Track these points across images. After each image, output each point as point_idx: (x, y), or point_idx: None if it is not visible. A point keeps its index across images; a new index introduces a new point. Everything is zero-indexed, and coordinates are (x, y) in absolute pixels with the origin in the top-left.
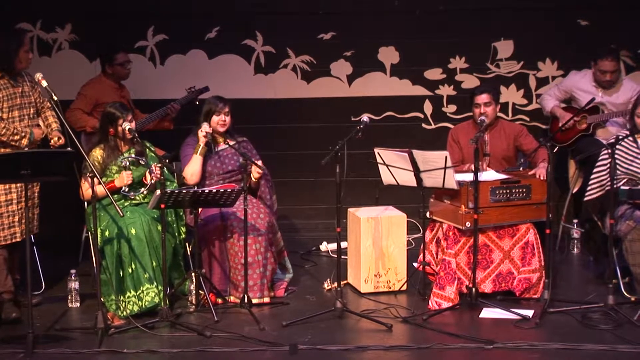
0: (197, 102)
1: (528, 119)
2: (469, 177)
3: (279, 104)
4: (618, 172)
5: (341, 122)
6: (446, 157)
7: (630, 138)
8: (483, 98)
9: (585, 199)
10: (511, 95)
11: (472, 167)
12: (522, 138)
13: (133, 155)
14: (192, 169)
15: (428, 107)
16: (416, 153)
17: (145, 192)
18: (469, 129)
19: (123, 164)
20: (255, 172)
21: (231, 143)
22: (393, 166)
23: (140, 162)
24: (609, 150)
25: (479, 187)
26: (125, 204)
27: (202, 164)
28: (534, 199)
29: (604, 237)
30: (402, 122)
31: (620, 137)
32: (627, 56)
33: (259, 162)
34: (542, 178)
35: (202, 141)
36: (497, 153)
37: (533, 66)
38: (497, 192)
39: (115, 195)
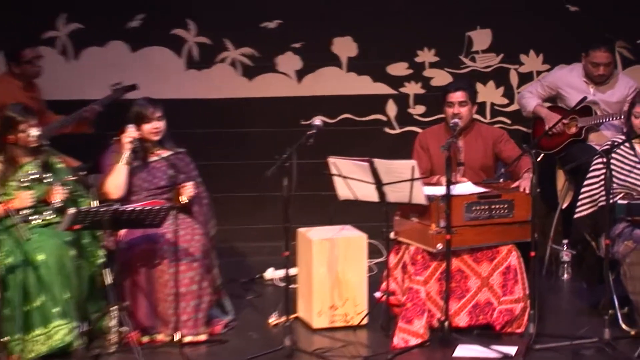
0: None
1: (509, 122)
2: (440, 190)
3: (214, 105)
4: (614, 184)
5: (289, 127)
6: (413, 167)
7: (627, 144)
8: (456, 96)
9: (576, 216)
10: (489, 93)
11: (444, 178)
12: (502, 144)
13: (35, 171)
14: (116, 181)
15: (392, 108)
16: (378, 162)
17: (49, 216)
18: (440, 133)
19: (23, 181)
20: (185, 196)
21: (165, 154)
22: (351, 178)
23: (43, 178)
24: (603, 159)
25: (451, 203)
26: (31, 225)
27: (130, 176)
28: (517, 216)
29: (598, 260)
30: (362, 125)
31: (616, 143)
32: (624, 47)
33: (191, 183)
34: (526, 191)
35: (127, 148)
36: (473, 162)
37: (514, 60)
38: (474, 208)
39: (18, 216)
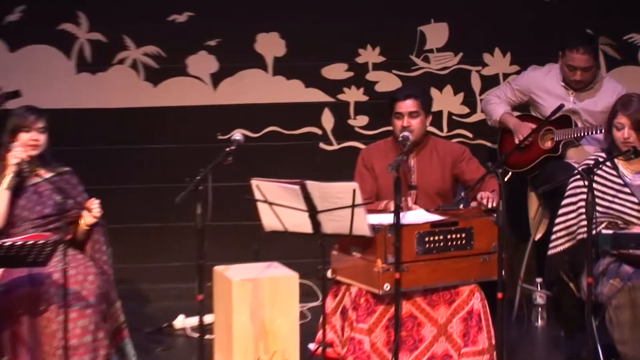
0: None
1: (471, 135)
2: (387, 218)
3: (110, 116)
4: (596, 212)
5: (203, 142)
6: (354, 191)
7: (609, 163)
8: (406, 106)
9: (550, 252)
10: (446, 101)
11: (392, 204)
12: (463, 164)
13: None
14: None
15: (328, 119)
16: (311, 185)
17: None
18: (387, 150)
19: None
20: (89, 216)
21: (47, 175)
22: (278, 204)
23: None
24: (583, 181)
25: (401, 234)
26: None
27: (10, 203)
28: (478, 247)
29: (578, 303)
30: (292, 140)
31: (599, 161)
32: (609, 45)
33: (95, 204)
34: (487, 204)
35: (11, 170)
36: (427, 185)
37: (477, 60)
38: (427, 239)
39: None
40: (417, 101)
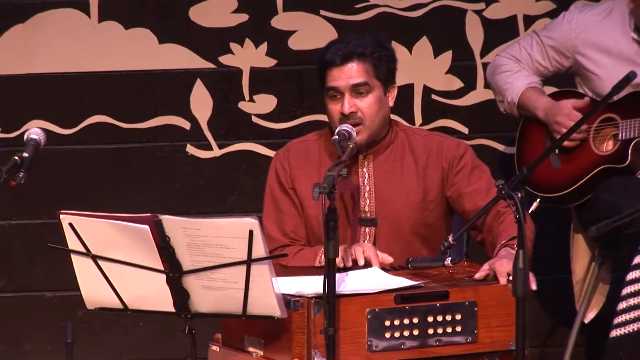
0: None
1: (465, 131)
2: (312, 285)
3: None
4: None
5: None
6: (251, 233)
7: None
8: (347, 74)
9: (614, 332)
10: (421, 67)
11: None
12: (461, 176)
13: None
14: None
15: (202, 102)
16: (172, 223)
17: None
18: (320, 153)
19: None
20: None
21: None
22: (110, 259)
23: None
24: None
25: (338, 313)
26: None
27: None
28: (487, 340)
29: None
30: (135, 140)
31: None
32: None
33: None
34: (501, 281)
35: None
36: (394, 215)
37: None
38: (389, 323)
39: None
40: (365, 64)
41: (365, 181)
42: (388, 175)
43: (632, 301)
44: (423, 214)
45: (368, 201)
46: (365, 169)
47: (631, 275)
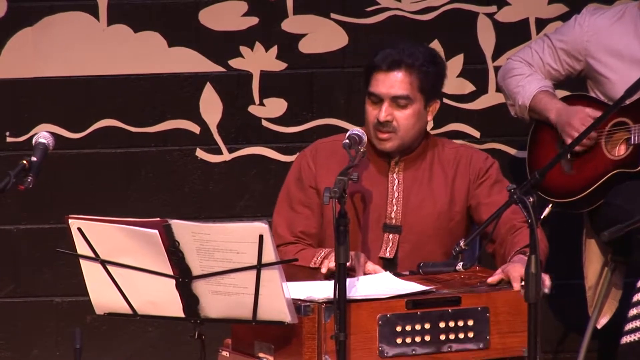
0: None
1: (477, 135)
2: (323, 290)
3: None
4: None
5: None
6: (261, 237)
7: None
8: (392, 82)
9: (626, 339)
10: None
11: (330, 259)
12: (482, 189)
13: None
14: None
15: (212, 106)
16: (181, 227)
17: None
18: (345, 153)
19: None
20: None
21: None
22: (119, 264)
23: None
24: None
25: (349, 319)
26: None
27: None
28: (500, 346)
29: None
30: (143, 144)
31: None
32: None
33: None
34: (515, 286)
35: None
36: (421, 224)
37: None
38: (400, 329)
39: None
40: (412, 76)
41: (395, 187)
42: (417, 183)
43: None
44: (448, 225)
45: (395, 207)
46: (395, 175)
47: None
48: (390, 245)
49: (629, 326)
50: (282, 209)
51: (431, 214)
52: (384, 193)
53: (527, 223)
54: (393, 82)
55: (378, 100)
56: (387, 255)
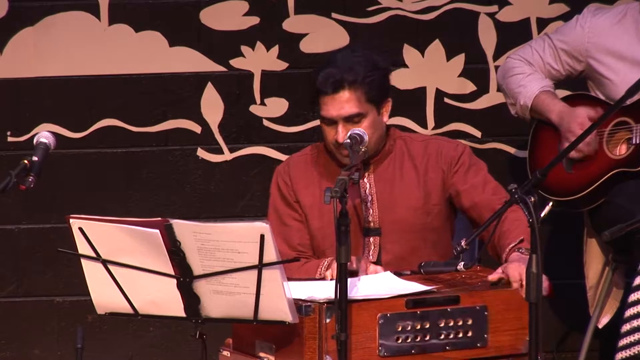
0: None
1: (478, 135)
2: (324, 290)
3: None
4: None
5: None
6: (263, 237)
7: None
8: (340, 104)
9: (620, 355)
10: (433, 70)
11: (333, 268)
12: (458, 175)
13: None
14: None
15: (213, 105)
16: (182, 227)
17: None
18: (317, 164)
19: None
20: None
21: None
22: (120, 264)
23: None
24: None
25: (351, 316)
26: None
27: None
28: (498, 345)
29: None
30: (144, 144)
31: None
32: None
33: None
34: (513, 285)
35: None
36: (398, 221)
37: None
38: (400, 328)
39: None
40: (357, 92)
41: (367, 191)
42: (389, 183)
43: (635, 323)
44: (427, 219)
45: (371, 211)
46: (366, 180)
47: (638, 281)
48: (373, 248)
49: (622, 342)
50: (274, 227)
51: (407, 211)
52: (359, 198)
53: (510, 206)
54: (341, 104)
55: (331, 122)
56: (371, 258)
